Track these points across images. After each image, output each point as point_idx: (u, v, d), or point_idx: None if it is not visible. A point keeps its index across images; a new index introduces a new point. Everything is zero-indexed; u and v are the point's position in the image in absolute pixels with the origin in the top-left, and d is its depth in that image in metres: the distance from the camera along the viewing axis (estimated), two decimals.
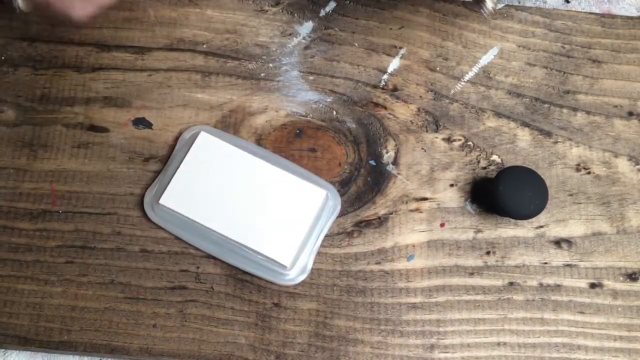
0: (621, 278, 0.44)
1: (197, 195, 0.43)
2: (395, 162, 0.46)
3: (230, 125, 0.46)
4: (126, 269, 0.42)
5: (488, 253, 0.44)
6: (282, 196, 0.43)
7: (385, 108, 0.47)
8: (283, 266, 0.42)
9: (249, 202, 0.43)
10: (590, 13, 0.51)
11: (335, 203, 0.44)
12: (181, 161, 0.44)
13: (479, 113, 0.47)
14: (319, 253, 0.43)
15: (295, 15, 0.50)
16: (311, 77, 0.48)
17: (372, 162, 0.45)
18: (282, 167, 0.44)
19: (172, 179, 0.43)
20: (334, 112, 0.47)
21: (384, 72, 0.48)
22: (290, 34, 0.49)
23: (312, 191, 0.43)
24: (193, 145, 0.44)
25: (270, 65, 0.48)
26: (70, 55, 0.47)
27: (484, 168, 0.46)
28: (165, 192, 0.43)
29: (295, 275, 0.42)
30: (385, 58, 0.48)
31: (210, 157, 0.44)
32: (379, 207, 0.45)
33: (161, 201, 0.42)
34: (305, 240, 0.43)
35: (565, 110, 0.48)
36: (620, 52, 0.49)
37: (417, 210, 0.45)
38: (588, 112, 0.48)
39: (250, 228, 0.42)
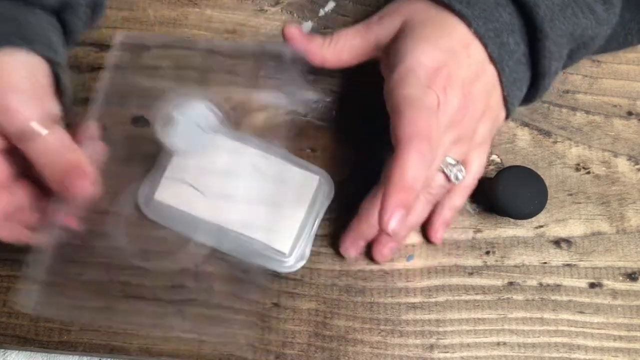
0: (621, 278, 0.44)
1: (191, 188, 0.43)
2: None
3: (229, 124, 0.46)
4: (126, 269, 0.42)
5: (487, 253, 0.44)
6: (277, 184, 0.43)
7: None
8: (282, 253, 0.42)
9: (243, 192, 0.43)
10: None
11: (329, 188, 0.44)
12: (172, 155, 0.44)
13: None
14: (318, 253, 0.43)
15: (295, 15, 0.49)
16: (311, 77, 0.48)
17: None
18: (274, 155, 0.44)
19: (165, 173, 0.43)
20: (334, 112, 0.47)
21: None
22: None
23: (306, 177, 0.43)
24: None
25: (270, 64, 0.48)
26: (69, 55, 0.47)
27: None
28: (159, 187, 0.43)
29: (294, 261, 0.42)
30: None
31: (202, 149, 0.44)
32: None
33: (156, 197, 0.42)
34: (302, 226, 0.43)
35: (564, 110, 0.48)
36: (619, 52, 0.49)
37: None
38: (587, 112, 0.48)
39: (247, 217, 0.42)
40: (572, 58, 0.42)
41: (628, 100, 0.48)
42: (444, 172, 0.40)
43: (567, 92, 0.48)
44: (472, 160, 0.41)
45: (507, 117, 0.42)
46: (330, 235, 0.44)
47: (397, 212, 0.34)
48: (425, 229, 0.44)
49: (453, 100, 0.37)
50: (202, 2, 0.49)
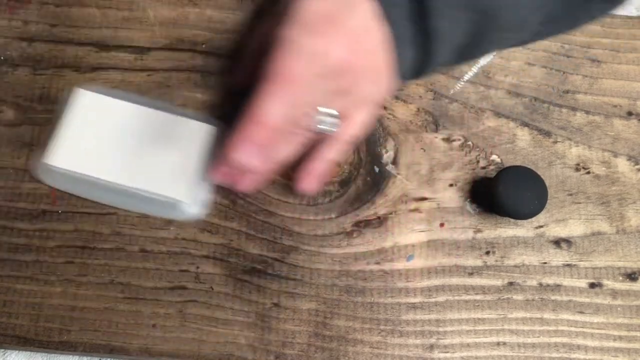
0: (621, 278, 0.44)
1: (84, 149, 0.44)
2: (394, 162, 0.46)
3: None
4: (126, 269, 0.43)
5: (487, 253, 0.44)
6: (168, 137, 0.44)
7: (385, 108, 0.47)
8: (180, 202, 0.43)
9: (136, 148, 0.44)
10: None
11: (218, 132, 0.44)
12: (63, 120, 0.44)
13: (478, 113, 0.47)
14: (318, 253, 0.43)
15: None
16: None
17: (376, 169, 0.45)
18: (161, 109, 0.45)
19: (56, 138, 0.44)
20: None
21: None
22: None
23: (196, 126, 0.44)
24: (71, 102, 0.45)
25: None
26: (69, 55, 0.47)
27: (484, 168, 0.46)
28: (51, 152, 0.43)
29: (196, 209, 0.43)
30: None
31: (91, 111, 0.45)
32: (379, 207, 0.45)
33: (49, 162, 0.43)
34: (198, 174, 0.43)
35: (564, 110, 0.48)
36: (619, 52, 0.49)
37: (416, 210, 0.45)
38: (587, 112, 0.48)
39: (143, 172, 0.43)
40: (486, 36, 0.38)
41: (628, 100, 0.48)
42: (310, 117, 0.39)
43: (567, 92, 0.48)
44: (353, 116, 0.40)
45: (398, 82, 0.39)
46: (331, 235, 0.44)
47: (246, 147, 0.34)
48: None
49: (336, 50, 0.36)
50: (202, 2, 0.49)
